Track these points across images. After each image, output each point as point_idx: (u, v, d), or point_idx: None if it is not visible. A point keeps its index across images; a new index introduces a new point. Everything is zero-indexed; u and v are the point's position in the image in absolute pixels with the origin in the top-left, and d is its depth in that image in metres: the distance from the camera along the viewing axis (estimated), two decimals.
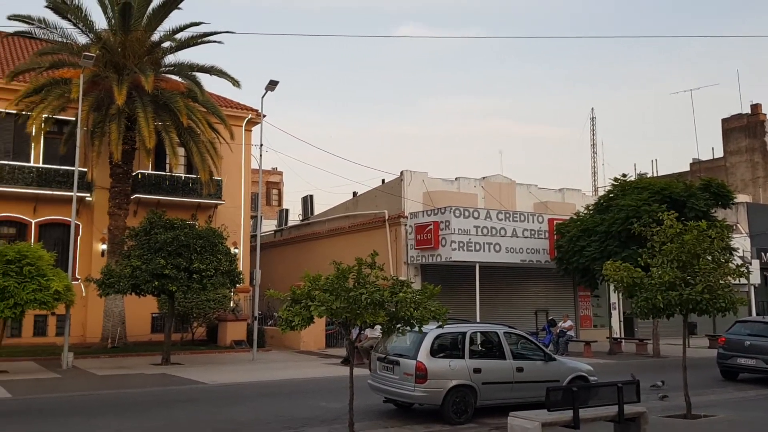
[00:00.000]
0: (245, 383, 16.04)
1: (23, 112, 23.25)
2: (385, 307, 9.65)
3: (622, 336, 28.41)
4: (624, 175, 25.10)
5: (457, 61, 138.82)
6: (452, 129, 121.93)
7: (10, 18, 22.70)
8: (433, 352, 11.30)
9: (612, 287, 23.21)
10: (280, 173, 51.14)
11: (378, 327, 10.41)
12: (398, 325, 10.00)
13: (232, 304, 25.69)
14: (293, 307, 9.77)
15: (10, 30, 24.47)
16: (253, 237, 29.04)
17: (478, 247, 25.13)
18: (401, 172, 27.97)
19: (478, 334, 12.51)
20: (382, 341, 12.35)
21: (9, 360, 19.02)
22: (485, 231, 25.47)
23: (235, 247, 26.92)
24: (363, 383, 11.96)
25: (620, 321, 30.00)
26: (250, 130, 30.30)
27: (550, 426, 8.78)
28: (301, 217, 36.68)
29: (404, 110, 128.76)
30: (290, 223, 37.41)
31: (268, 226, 38.99)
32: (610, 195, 24.60)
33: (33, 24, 23.19)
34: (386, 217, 27.39)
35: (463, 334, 11.79)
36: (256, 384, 15.92)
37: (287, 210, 39.36)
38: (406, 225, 26.86)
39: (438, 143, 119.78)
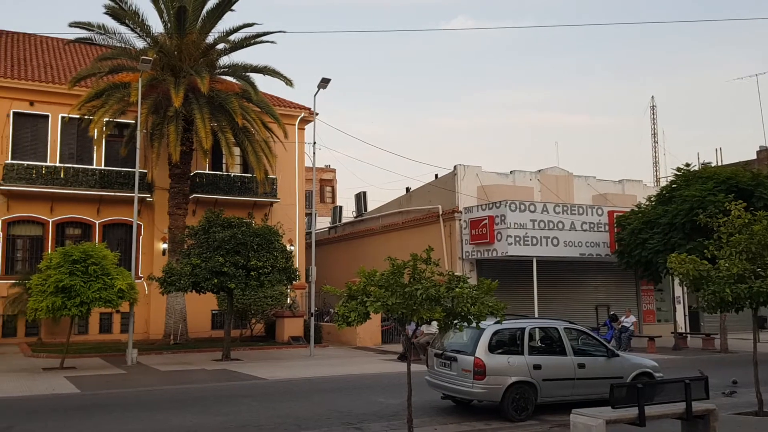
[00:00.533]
0: (303, 379, 16.17)
1: (85, 117, 24.06)
2: (441, 302, 9.54)
3: (688, 331, 27.48)
4: (687, 165, 24.27)
5: (509, 53, 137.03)
6: (505, 121, 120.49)
7: (71, 25, 23.53)
8: (491, 348, 11.13)
9: (677, 281, 22.50)
10: (333, 170, 51.53)
11: (434, 323, 10.31)
12: (455, 321, 9.87)
13: (288, 301, 26.00)
14: (349, 303, 9.75)
15: (71, 37, 25.33)
16: (308, 234, 29.33)
17: (535, 241, 24.72)
18: (454, 167, 27.72)
19: (537, 329, 12.26)
20: (438, 337, 12.25)
21: (77, 357, 19.70)
22: (542, 225, 25.03)
23: (291, 245, 27.24)
24: (420, 379, 11.88)
25: (685, 315, 29.05)
26: (303, 129, 30.61)
27: (614, 423, 8.55)
28: (354, 213, 36.84)
29: (456, 104, 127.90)
30: (344, 220, 37.64)
31: (322, 223, 39.32)
32: (673, 185, 23.83)
33: (93, 30, 23.95)
34: (440, 213, 27.22)
35: (522, 329, 11.57)
36: (314, 380, 16.03)
37: (341, 207, 39.61)
38: (460, 220, 26.62)
39: (491, 136, 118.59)
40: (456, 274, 10.22)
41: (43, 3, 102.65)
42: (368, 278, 9.80)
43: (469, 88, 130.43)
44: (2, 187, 24.58)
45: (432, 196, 28.52)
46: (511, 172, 28.93)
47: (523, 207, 24.91)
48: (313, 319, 22.53)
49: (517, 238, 24.44)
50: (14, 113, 25.71)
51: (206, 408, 11.96)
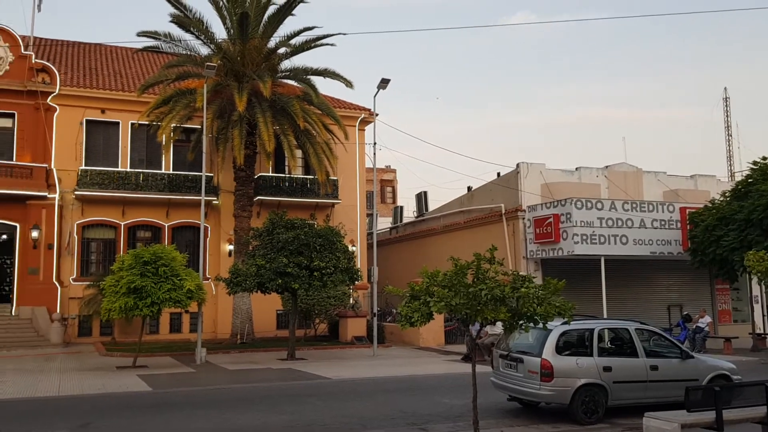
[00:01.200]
0: (367, 379, 16.20)
1: (154, 123, 24.85)
2: (506, 303, 9.37)
3: (767, 331, 26.18)
4: (764, 158, 23.12)
5: (571, 48, 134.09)
6: (569, 118, 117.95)
7: (139, 35, 24.33)
8: (559, 350, 10.86)
9: (754, 279, 21.44)
10: (394, 171, 51.60)
11: (499, 324, 10.13)
12: (521, 322, 9.68)
13: (351, 301, 26.15)
14: (412, 303, 9.69)
15: (139, 46, 26.24)
16: (369, 235, 29.43)
17: (602, 239, 24.06)
18: (517, 165, 27.28)
19: (607, 330, 11.89)
20: (503, 338, 12.05)
21: (148, 355, 20.33)
22: (610, 222, 24.34)
23: (353, 245, 27.40)
24: (485, 380, 11.70)
25: (764, 315, 27.67)
26: (364, 130, 30.76)
27: (690, 428, 8.23)
28: (416, 213, 36.77)
29: (518, 101, 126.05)
30: (405, 220, 37.61)
31: (384, 223, 39.42)
32: (749, 180, 22.79)
33: (160, 39, 24.70)
34: (503, 211, 26.83)
35: (591, 330, 11.25)
36: (378, 379, 16.04)
37: (402, 207, 39.60)
38: (524, 219, 26.17)
39: (555, 133, 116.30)
40: (521, 273, 10.01)
41: (113, 14, 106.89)
42: (431, 278, 9.71)
43: (532, 85, 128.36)
44: (77, 193, 25.65)
45: (494, 194, 28.14)
46: (576, 168, 28.24)
47: (589, 204, 24.28)
48: (375, 319, 22.58)
49: (584, 237, 23.84)
50: (87, 121, 26.80)
51: (273, 407, 12.12)
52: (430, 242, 31.78)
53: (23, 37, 26.60)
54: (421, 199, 35.86)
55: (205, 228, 24.22)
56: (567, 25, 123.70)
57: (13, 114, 25.98)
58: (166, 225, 27.36)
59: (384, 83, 22.17)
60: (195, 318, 23.88)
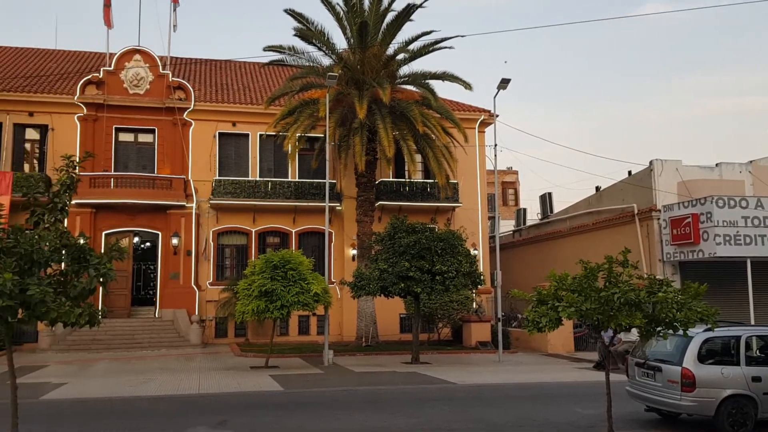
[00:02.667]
0: (493, 384, 15.89)
1: (280, 133, 25.87)
2: (641, 308, 8.89)
3: None
4: None
5: (703, 36, 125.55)
6: (703, 111, 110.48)
7: (265, 49, 25.42)
8: (701, 358, 10.12)
9: None
10: (516, 172, 50.58)
11: (634, 330, 9.61)
12: (658, 329, 9.15)
13: (474, 306, 25.83)
14: (539, 308, 9.40)
15: (265, 60, 27.43)
16: (492, 238, 28.97)
17: (748, 240, 22.21)
18: (650, 162, 25.80)
19: (756, 338, 10.91)
20: (639, 345, 11.43)
21: (279, 356, 21.11)
22: (756, 222, 22.42)
23: (474, 249, 27.06)
24: (620, 389, 11.12)
25: None
26: (483, 131, 30.40)
27: None
28: (540, 215, 35.78)
29: (648, 95, 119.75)
30: (528, 223, 36.71)
31: (506, 226, 38.67)
32: None
33: (284, 52, 25.67)
34: (635, 212, 25.45)
35: (737, 338, 10.39)
36: (505, 386, 15.69)
37: (525, 209, 38.68)
38: (659, 219, 24.69)
39: (689, 128, 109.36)
40: (657, 277, 9.44)
41: (239, 32, 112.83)
42: (559, 282, 9.38)
43: (662, 77, 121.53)
44: (212, 201, 27.21)
45: (625, 194, 26.78)
46: (716, 164, 26.26)
47: (732, 203, 22.51)
48: (500, 324, 22.15)
49: (727, 238, 22.11)
50: (219, 134, 28.39)
51: (399, 410, 12.15)
52: (555, 245, 30.78)
53: (161, 58, 28.62)
54: (546, 200, 34.84)
55: (330, 233, 24.86)
56: (698, 13, 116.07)
57: (154, 130, 28.01)
58: (293, 231, 28.38)
59: (504, 83, 21.76)
60: (322, 321, 24.54)
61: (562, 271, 9.47)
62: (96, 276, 7.34)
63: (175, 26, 29.86)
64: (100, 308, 7.57)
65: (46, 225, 7.52)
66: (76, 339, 23.90)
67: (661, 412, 11.07)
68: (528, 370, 18.86)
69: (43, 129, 27.12)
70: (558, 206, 34.33)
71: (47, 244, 7.17)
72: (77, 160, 7.89)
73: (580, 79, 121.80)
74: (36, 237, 7.18)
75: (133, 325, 25.54)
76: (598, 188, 30.43)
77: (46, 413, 11.66)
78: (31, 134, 27.39)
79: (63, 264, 7.55)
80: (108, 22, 28.52)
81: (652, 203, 24.97)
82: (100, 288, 7.64)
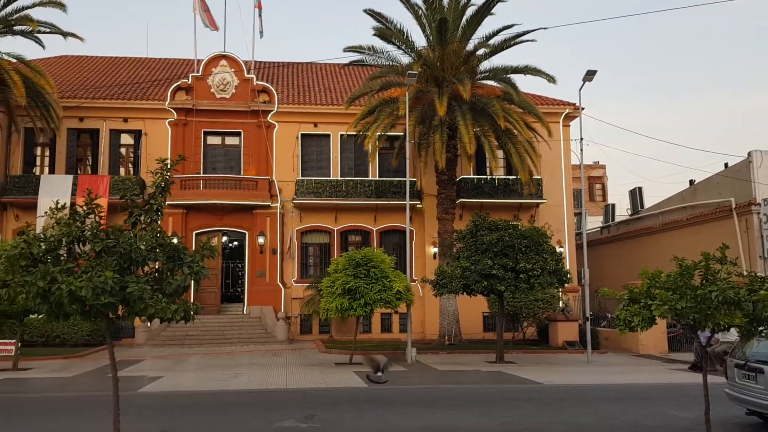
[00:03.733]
0: (582, 385, 15.45)
1: (360, 133, 26.13)
2: (741, 306, 8.40)
3: None
4: None
5: None
6: None
7: (345, 50, 25.73)
8: None
9: None
10: (602, 167, 48.97)
11: (733, 330, 9.10)
12: (760, 328, 8.62)
13: (560, 304, 25.21)
14: (631, 306, 9.05)
15: (344, 61, 27.74)
16: (578, 235, 28.19)
17: None
18: (749, 153, 24.40)
19: None
20: (739, 346, 10.80)
21: (362, 353, 21.19)
22: None
23: (560, 246, 26.43)
24: (718, 392, 10.57)
25: None
26: (568, 125, 29.65)
27: None
28: (629, 211, 34.52)
29: (746, 83, 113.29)
30: (617, 219, 35.49)
31: (593, 222, 37.53)
32: None
33: (363, 52, 25.87)
34: (733, 206, 24.14)
35: None
36: (594, 387, 15.22)
37: (613, 205, 37.41)
38: (759, 213, 23.34)
39: None
40: (758, 274, 8.91)
41: (319, 34, 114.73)
42: (652, 280, 9.01)
43: (757, 64, 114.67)
44: (295, 201, 27.82)
45: (721, 188, 25.45)
46: None
47: None
48: (588, 323, 21.51)
49: None
50: (302, 135, 28.99)
51: (486, 409, 12.01)
52: (646, 242, 29.61)
53: (246, 62, 29.48)
54: (636, 195, 33.59)
55: (410, 231, 24.91)
56: None
57: (240, 132, 28.90)
58: (374, 229, 28.60)
59: (590, 75, 21.10)
60: (404, 318, 24.61)
61: (655, 268, 9.09)
62: (190, 274, 7.62)
63: (261, 32, 30.70)
64: (192, 305, 7.86)
65: (143, 225, 7.86)
66: (170, 335, 25.01)
67: (762, 416, 10.45)
68: (618, 371, 18.22)
69: (137, 134, 28.52)
70: (649, 201, 33.06)
71: (144, 243, 7.50)
72: (171, 163, 8.20)
73: (667, 68, 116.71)
74: (134, 237, 7.52)
75: (223, 322, 26.46)
76: (692, 182, 29.07)
77: (144, 405, 12.22)
78: (126, 139, 28.85)
79: (158, 262, 7.88)
80: (213, 24, 29.52)
81: (752, 197, 23.63)
82: (192, 285, 7.93)
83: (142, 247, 7.49)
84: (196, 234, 27.53)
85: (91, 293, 6.58)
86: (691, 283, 8.67)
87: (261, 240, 27.56)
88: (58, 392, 14.59)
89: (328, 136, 29.19)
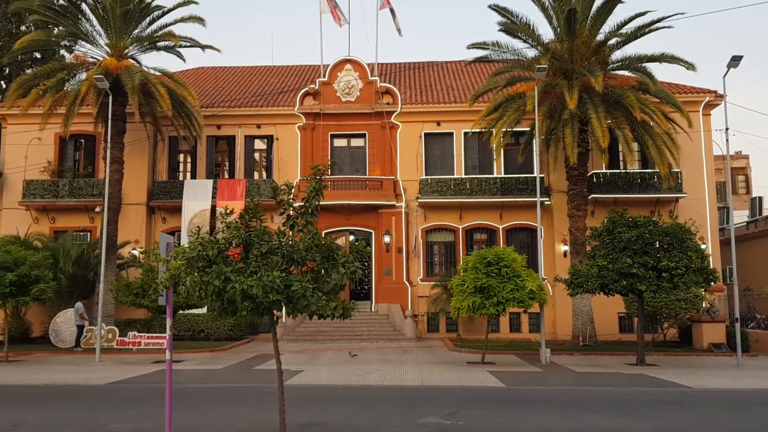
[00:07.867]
0: (734, 390, 14.50)
1: (485, 130, 25.86)
2: None
3: None
4: None
5: None
6: None
7: (469, 47, 25.51)
8: None
9: None
10: (746, 157, 45.52)
11: None
12: None
13: (704, 305, 23.72)
14: None
15: (468, 59, 27.52)
16: (721, 231, 26.41)
17: None
18: None
19: None
20: None
21: (493, 353, 21.11)
22: None
23: (702, 243, 24.87)
24: None
25: None
26: (709, 114, 27.90)
27: None
28: None
29: None
30: (765, 212, 32.90)
31: (737, 217, 35.04)
32: None
33: (488, 48, 25.52)
34: None
35: None
36: (748, 391, 14.26)
37: (760, 198, 34.75)
38: None
39: None
40: None
41: (440, 33, 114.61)
42: None
43: None
44: (419, 200, 28.01)
45: None
46: None
47: None
48: (738, 324, 20.09)
49: None
50: (425, 134, 29.15)
51: (633, 411, 11.54)
52: None
53: (369, 65, 30.03)
54: None
55: (540, 229, 24.33)
56: None
57: (365, 134, 29.50)
58: (500, 227, 28.23)
59: (735, 61, 19.68)
60: (533, 318, 24.14)
61: None
62: (345, 273, 7.87)
63: (399, 30, 31.12)
64: (350, 303, 8.10)
65: (300, 228, 8.19)
66: (304, 330, 25.97)
67: None
68: None
69: (269, 139, 29.85)
70: None
71: (303, 244, 7.83)
72: (323, 167, 8.49)
73: None
74: (293, 238, 7.87)
75: (353, 319, 26.60)
76: None
77: (292, 397, 12.75)
78: (259, 144, 30.27)
79: (315, 263, 8.18)
80: (338, 21, 30.31)
81: None
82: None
83: (301, 247, 7.81)
84: (325, 234, 28.36)
85: (261, 291, 6.96)
86: None
87: (387, 239, 27.98)
88: (208, 383, 15.54)
89: (452, 134, 29.16)
